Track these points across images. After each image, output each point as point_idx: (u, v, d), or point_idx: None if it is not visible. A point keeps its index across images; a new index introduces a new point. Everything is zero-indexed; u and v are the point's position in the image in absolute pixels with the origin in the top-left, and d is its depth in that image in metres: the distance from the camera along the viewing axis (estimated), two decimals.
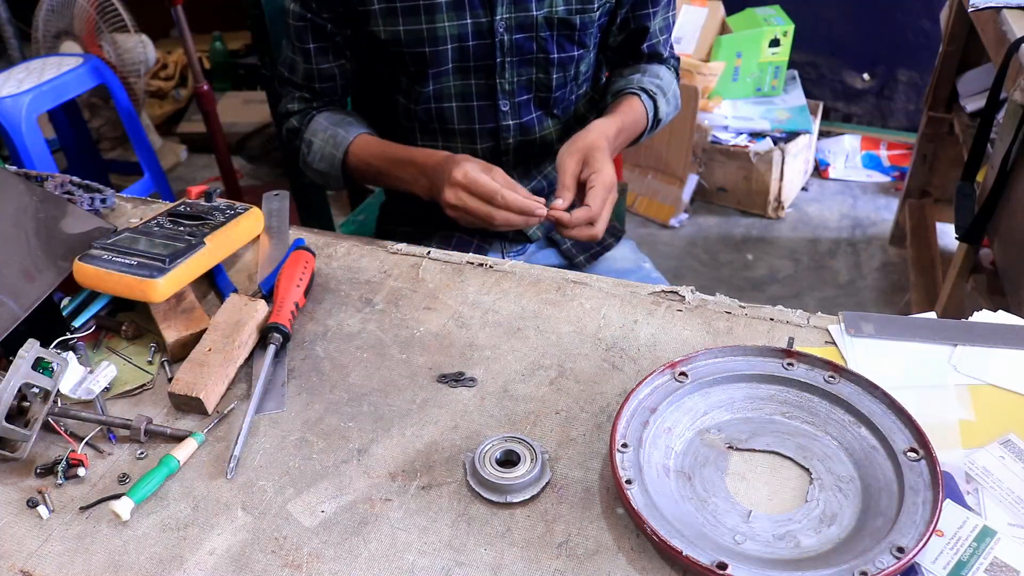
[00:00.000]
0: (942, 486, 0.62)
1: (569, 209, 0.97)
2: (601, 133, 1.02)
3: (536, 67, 1.11)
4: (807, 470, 0.69)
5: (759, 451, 0.71)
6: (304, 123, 1.16)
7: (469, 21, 1.05)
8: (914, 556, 0.58)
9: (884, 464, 0.67)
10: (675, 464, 0.69)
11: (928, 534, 0.59)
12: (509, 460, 0.69)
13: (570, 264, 1.31)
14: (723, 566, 0.58)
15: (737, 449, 0.71)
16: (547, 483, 0.68)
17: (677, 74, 1.28)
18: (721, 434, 0.72)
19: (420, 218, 1.30)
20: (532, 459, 0.69)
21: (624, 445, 0.68)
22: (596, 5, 1.09)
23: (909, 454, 0.66)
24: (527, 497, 0.67)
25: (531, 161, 1.21)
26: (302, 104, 1.18)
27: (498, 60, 1.08)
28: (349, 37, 1.11)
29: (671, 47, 1.26)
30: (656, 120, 1.19)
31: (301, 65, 1.14)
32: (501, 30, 1.06)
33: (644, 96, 1.15)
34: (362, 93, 1.26)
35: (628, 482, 0.65)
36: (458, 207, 0.95)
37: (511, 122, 1.14)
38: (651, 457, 0.69)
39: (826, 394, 0.73)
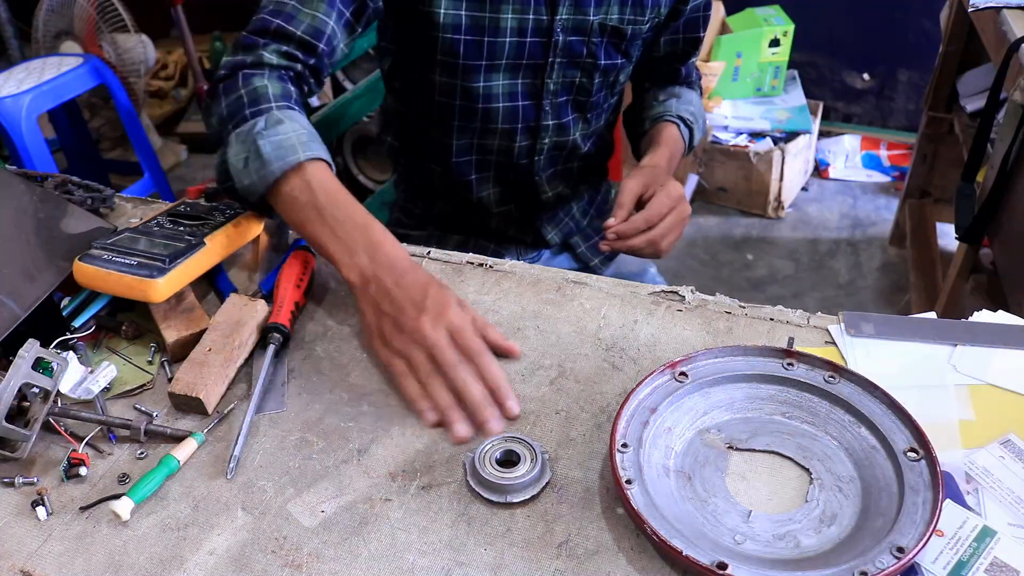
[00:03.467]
0: (942, 486, 0.62)
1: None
2: (656, 162, 1.10)
3: (581, 71, 1.11)
4: (807, 470, 0.69)
5: (759, 451, 0.71)
6: (280, 94, 0.87)
7: (531, 17, 1.04)
8: (914, 556, 0.58)
9: (884, 464, 0.67)
10: (675, 464, 0.69)
11: (928, 534, 0.59)
12: (509, 460, 0.69)
13: (585, 267, 1.31)
14: (723, 566, 0.58)
15: (737, 449, 0.71)
16: (547, 483, 0.68)
17: (701, 91, 1.31)
18: (721, 434, 0.72)
19: (437, 222, 1.29)
20: (532, 459, 0.69)
21: (624, 445, 0.68)
22: (647, 18, 1.10)
23: (909, 454, 0.66)
24: (527, 497, 0.67)
25: (559, 161, 1.21)
26: (284, 61, 0.91)
27: (549, 60, 1.08)
28: (385, 10, 1.02)
29: (696, 67, 1.29)
30: (690, 148, 1.23)
31: (307, 13, 0.92)
32: (558, 30, 1.06)
33: (682, 125, 1.19)
34: (401, 85, 1.19)
35: (628, 482, 0.65)
36: (424, 347, 0.73)
37: (550, 122, 1.15)
38: (651, 457, 0.69)
39: (826, 394, 0.73)
